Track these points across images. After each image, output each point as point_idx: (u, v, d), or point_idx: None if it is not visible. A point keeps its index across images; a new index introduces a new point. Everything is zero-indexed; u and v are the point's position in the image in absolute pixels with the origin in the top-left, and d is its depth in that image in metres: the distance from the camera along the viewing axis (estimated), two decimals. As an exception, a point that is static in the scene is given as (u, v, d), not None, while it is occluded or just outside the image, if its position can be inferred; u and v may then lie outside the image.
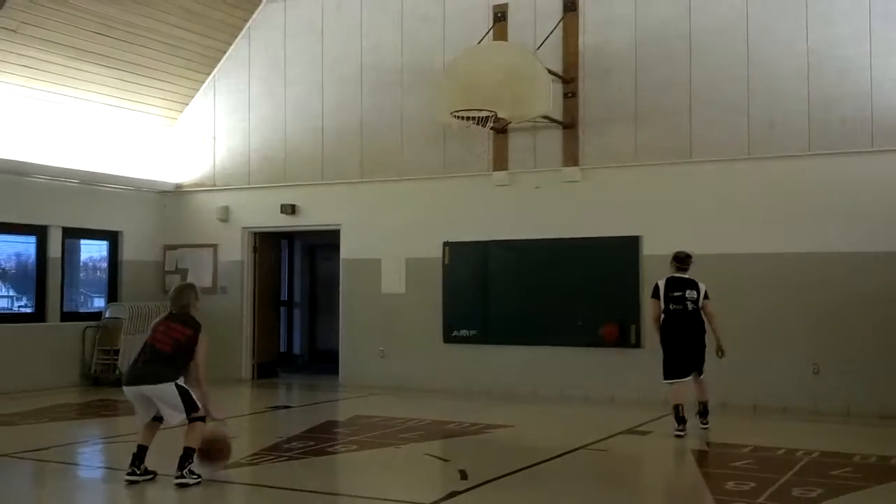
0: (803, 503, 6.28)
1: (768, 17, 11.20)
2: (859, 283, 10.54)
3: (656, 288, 9.36)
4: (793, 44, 11.05)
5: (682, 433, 8.92)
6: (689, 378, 9.16)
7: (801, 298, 10.79)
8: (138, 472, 6.84)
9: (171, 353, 6.87)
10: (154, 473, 6.91)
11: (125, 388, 6.93)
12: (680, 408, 8.99)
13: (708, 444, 8.69)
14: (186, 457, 6.76)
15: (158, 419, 6.95)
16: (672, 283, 9.26)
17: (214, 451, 6.99)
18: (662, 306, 9.23)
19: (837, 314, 10.62)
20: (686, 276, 9.29)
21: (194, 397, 6.87)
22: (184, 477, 6.72)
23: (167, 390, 6.77)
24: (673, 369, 9.19)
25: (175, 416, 6.84)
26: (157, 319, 7.19)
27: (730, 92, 11.33)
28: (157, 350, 6.90)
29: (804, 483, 6.83)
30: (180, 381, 6.86)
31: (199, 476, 6.78)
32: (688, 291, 9.17)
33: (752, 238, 11.08)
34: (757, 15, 11.24)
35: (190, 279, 7.26)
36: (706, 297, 9.23)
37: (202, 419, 6.89)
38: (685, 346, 9.16)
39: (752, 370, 10.92)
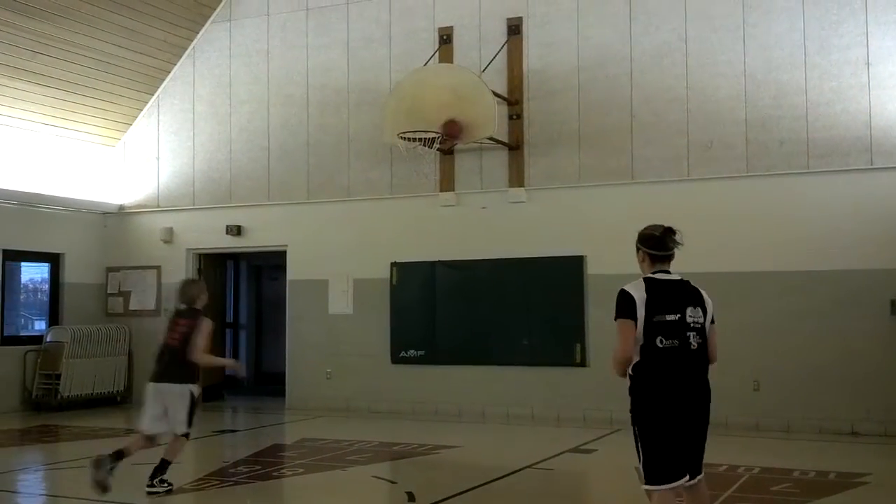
0: (744, 519, 6.41)
1: (706, 41, 11.46)
2: (794, 301, 10.78)
3: (629, 301, 5.05)
4: (730, 67, 11.33)
5: None
6: (683, 480, 4.98)
7: (740, 316, 10.97)
8: (168, 483, 7.18)
9: (180, 346, 7.24)
10: (171, 485, 7.22)
11: (150, 385, 7.29)
12: None
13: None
14: (162, 468, 7.11)
15: (153, 438, 7.28)
16: (661, 293, 5.17)
17: None
18: (643, 339, 4.94)
19: (775, 331, 10.84)
20: (677, 277, 5.41)
21: (195, 416, 7.28)
22: (154, 486, 7.06)
23: (184, 392, 7.16)
24: (663, 464, 4.94)
25: (179, 425, 7.18)
26: (168, 317, 7.70)
27: (669, 114, 11.56)
28: (169, 346, 7.30)
29: (745, 499, 6.98)
30: (195, 390, 7.22)
31: (171, 485, 7.14)
32: (689, 311, 5.15)
33: (691, 257, 11.08)
34: (695, 38, 11.51)
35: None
36: (713, 321, 5.27)
37: (187, 436, 7.29)
38: (687, 418, 4.94)
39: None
